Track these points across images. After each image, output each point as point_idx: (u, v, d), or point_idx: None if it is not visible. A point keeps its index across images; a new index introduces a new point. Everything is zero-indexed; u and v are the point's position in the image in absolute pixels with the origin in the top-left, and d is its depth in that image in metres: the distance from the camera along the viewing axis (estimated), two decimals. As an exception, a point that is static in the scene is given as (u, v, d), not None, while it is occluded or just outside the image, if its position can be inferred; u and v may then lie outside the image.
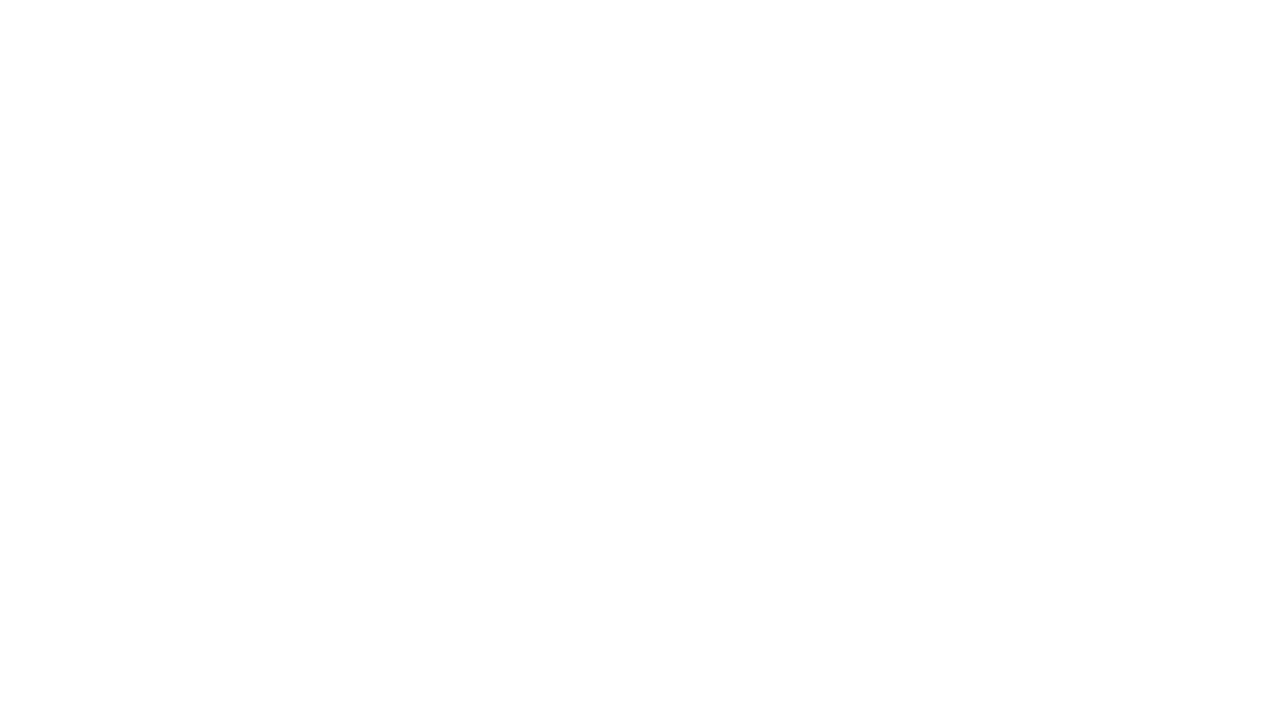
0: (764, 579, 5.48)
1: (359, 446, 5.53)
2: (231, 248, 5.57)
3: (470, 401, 5.54)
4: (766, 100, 5.54)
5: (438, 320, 5.55)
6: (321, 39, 5.58)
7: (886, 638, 5.45)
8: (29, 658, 5.48)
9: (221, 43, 5.58)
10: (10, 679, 5.47)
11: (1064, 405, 5.46)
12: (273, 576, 5.51)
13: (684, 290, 5.53)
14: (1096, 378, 5.46)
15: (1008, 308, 5.48)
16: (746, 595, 5.48)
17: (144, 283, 5.56)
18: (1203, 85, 5.47)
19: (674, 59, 5.55)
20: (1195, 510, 5.42)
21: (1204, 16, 5.46)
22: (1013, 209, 5.50)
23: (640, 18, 5.56)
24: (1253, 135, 5.45)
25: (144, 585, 5.51)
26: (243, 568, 5.51)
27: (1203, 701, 5.37)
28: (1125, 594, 5.42)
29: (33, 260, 5.56)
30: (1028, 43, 5.50)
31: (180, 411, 5.54)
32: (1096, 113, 5.49)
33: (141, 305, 5.55)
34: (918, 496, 5.47)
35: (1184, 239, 5.47)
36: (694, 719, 5.46)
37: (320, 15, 5.57)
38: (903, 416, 5.49)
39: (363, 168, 5.57)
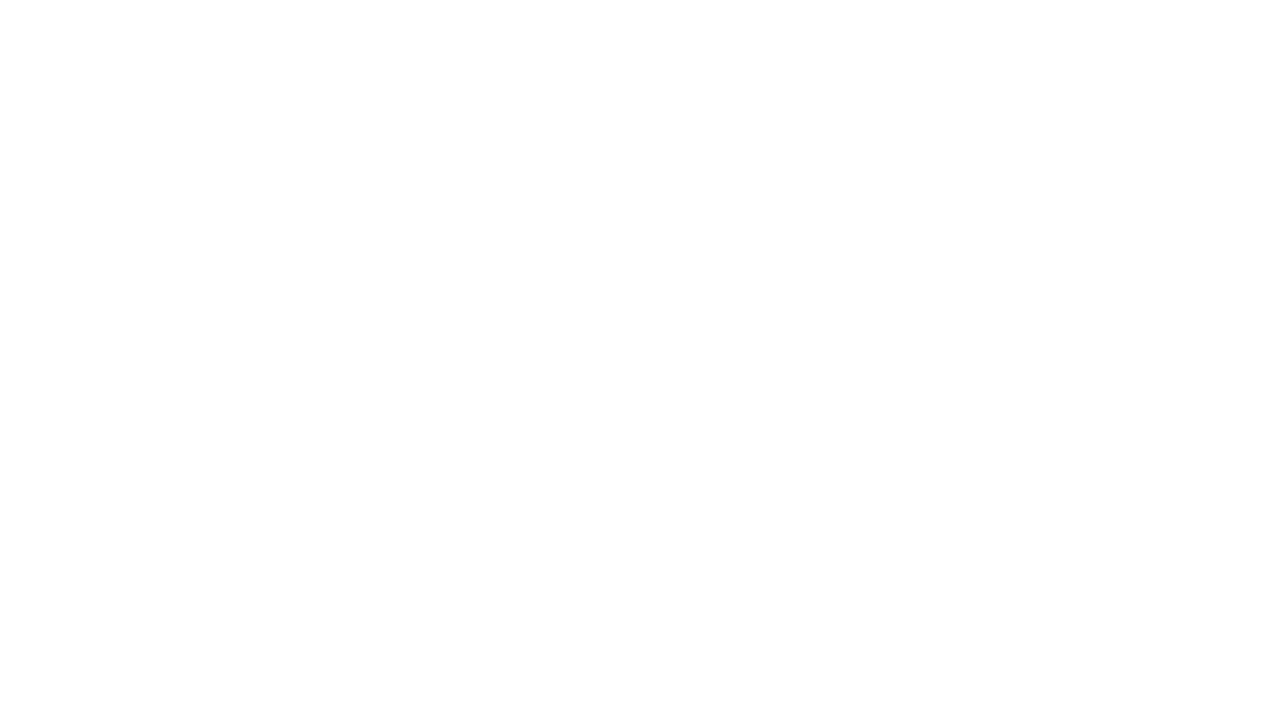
0: (763, 579, 5.49)
1: (359, 446, 5.54)
2: (232, 248, 5.57)
3: (470, 401, 5.54)
4: (766, 100, 5.54)
5: (438, 320, 5.55)
6: (322, 39, 5.58)
7: (886, 638, 5.46)
8: (29, 658, 5.48)
9: (221, 43, 5.58)
10: (10, 679, 5.48)
11: (1064, 405, 5.46)
12: (273, 577, 5.51)
13: (684, 290, 5.53)
14: (1096, 378, 5.46)
15: (1008, 308, 5.49)
16: (745, 595, 5.48)
17: (144, 283, 5.56)
18: (1203, 85, 5.48)
19: (674, 59, 5.56)
20: (1195, 510, 5.42)
21: (1204, 16, 5.46)
22: (1013, 209, 5.50)
23: (640, 18, 5.56)
24: (1253, 135, 5.46)
25: (144, 585, 5.51)
26: (242, 568, 5.52)
27: (1202, 702, 5.37)
28: (1125, 594, 5.42)
29: (33, 260, 5.56)
30: (1028, 43, 5.51)
31: (180, 411, 5.54)
32: (1096, 113, 5.50)
33: (141, 305, 5.55)
34: (917, 497, 5.47)
35: (1184, 239, 5.47)
36: (693, 718, 5.46)
37: (320, 15, 5.57)
38: (903, 416, 5.49)
39: (363, 168, 5.57)
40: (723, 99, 5.55)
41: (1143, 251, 5.47)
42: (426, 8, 5.58)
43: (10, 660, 5.48)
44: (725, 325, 5.52)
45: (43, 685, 5.47)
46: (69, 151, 5.58)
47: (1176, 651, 5.39)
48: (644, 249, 5.54)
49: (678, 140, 5.55)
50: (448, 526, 5.52)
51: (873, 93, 5.53)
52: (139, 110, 5.58)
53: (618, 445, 5.52)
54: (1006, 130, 5.51)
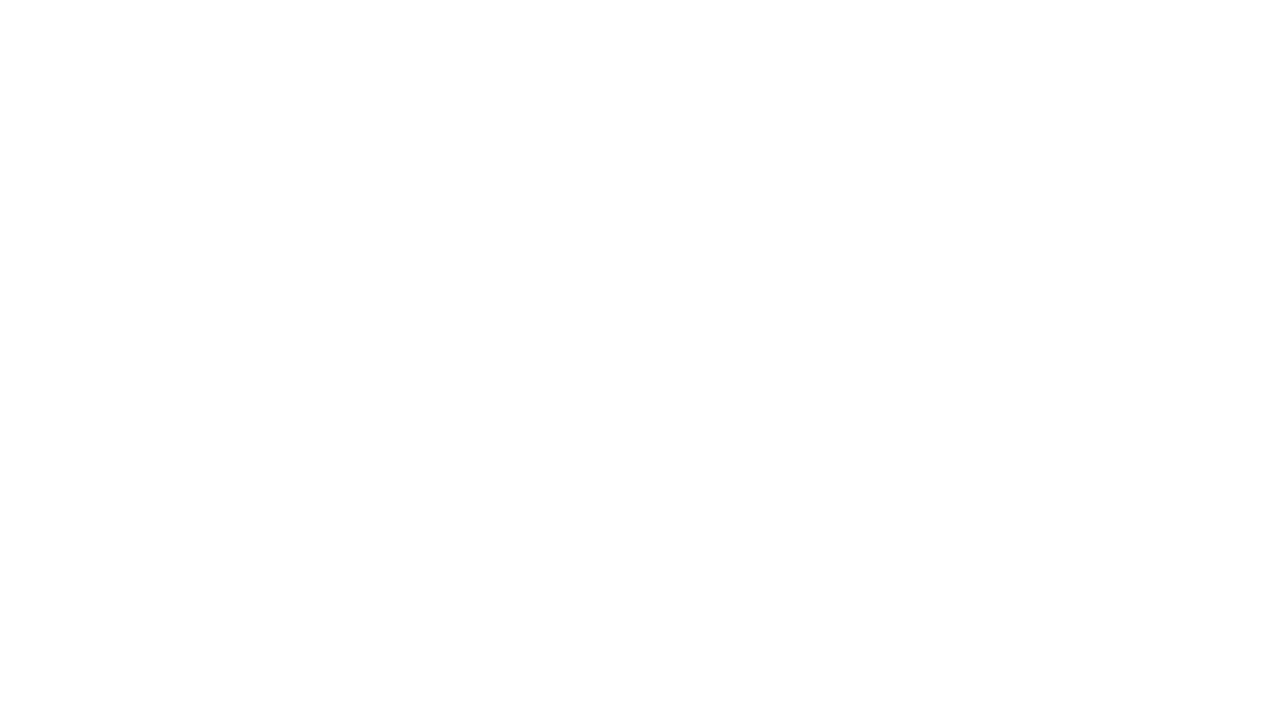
0: (764, 579, 5.49)
1: (359, 446, 5.54)
2: (232, 248, 5.57)
3: (470, 401, 5.54)
4: (766, 100, 5.55)
5: (438, 320, 5.55)
6: (322, 39, 5.58)
7: (886, 638, 5.46)
8: (29, 658, 5.49)
9: (221, 43, 5.58)
10: (10, 679, 5.48)
11: (1064, 405, 5.47)
12: (273, 577, 5.52)
13: (684, 290, 5.54)
14: (1096, 378, 5.46)
15: (1008, 308, 5.49)
16: (746, 596, 5.49)
17: (144, 283, 5.56)
18: (1203, 85, 5.48)
19: (674, 59, 5.56)
20: (1195, 510, 5.43)
21: (1204, 16, 5.46)
22: (1013, 209, 5.50)
23: (640, 18, 5.56)
24: (1253, 135, 5.46)
25: (144, 586, 5.51)
26: (242, 568, 5.52)
27: (1202, 702, 5.37)
28: (1125, 594, 5.43)
29: (33, 260, 5.56)
30: (1028, 43, 5.51)
31: (180, 411, 5.55)
32: (1096, 113, 5.50)
33: (141, 305, 5.56)
34: (917, 497, 5.47)
35: (1184, 239, 5.47)
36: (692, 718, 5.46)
37: (320, 15, 5.57)
38: (903, 417, 5.49)
39: (363, 168, 5.58)
40: (723, 99, 5.55)
41: (1142, 251, 5.47)
42: (426, 8, 5.58)
43: (10, 660, 5.48)
44: (725, 325, 5.53)
45: (43, 685, 5.48)
46: (69, 151, 5.58)
47: (1175, 651, 5.39)
48: (644, 249, 5.55)
49: (678, 140, 5.55)
50: (447, 526, 5.52)
51: (873, 93, 5.53)
52: (139, 110, 5.58)
53: (617, 445, 5.52)
54: (1007, 130, 5.51)
